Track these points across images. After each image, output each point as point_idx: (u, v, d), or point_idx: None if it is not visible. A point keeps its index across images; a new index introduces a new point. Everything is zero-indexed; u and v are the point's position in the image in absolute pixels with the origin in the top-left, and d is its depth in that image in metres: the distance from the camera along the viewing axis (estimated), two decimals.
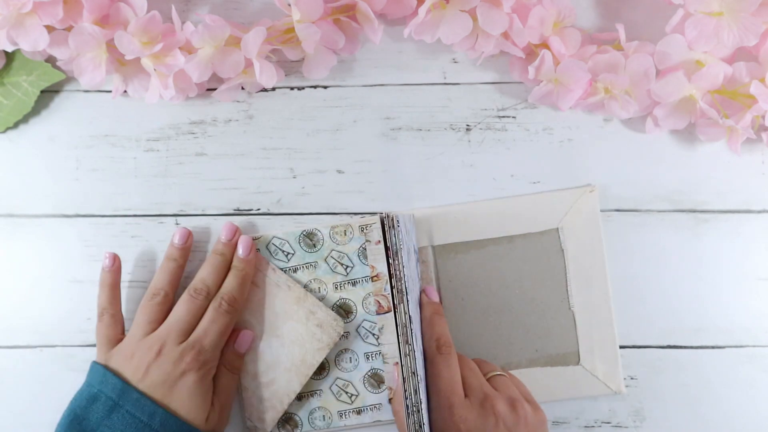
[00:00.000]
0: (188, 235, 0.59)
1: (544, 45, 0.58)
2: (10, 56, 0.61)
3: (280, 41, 0.59)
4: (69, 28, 0.56)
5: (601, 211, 0.61)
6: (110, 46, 0.57)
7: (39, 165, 0.62)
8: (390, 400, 0.58)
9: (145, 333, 0.56)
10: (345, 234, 0.58)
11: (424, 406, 0.51)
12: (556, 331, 0.60)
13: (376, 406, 0.58)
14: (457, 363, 0.55)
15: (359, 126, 0.62)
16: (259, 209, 0.61)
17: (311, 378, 0.58)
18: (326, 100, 0.62)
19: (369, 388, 0.58)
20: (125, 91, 0.60)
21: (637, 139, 0.61)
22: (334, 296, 0.58)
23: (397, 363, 0.57)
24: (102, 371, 0.54)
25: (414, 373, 0.51)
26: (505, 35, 0.58)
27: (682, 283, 0.61)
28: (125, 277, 0.61)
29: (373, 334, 0.58)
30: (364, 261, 0.58)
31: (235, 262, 0.58)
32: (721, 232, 0.61)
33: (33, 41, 0.56)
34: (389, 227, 0.54)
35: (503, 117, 0.62)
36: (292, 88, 0.62)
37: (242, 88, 0.62)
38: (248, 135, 0.62)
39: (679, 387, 0.60)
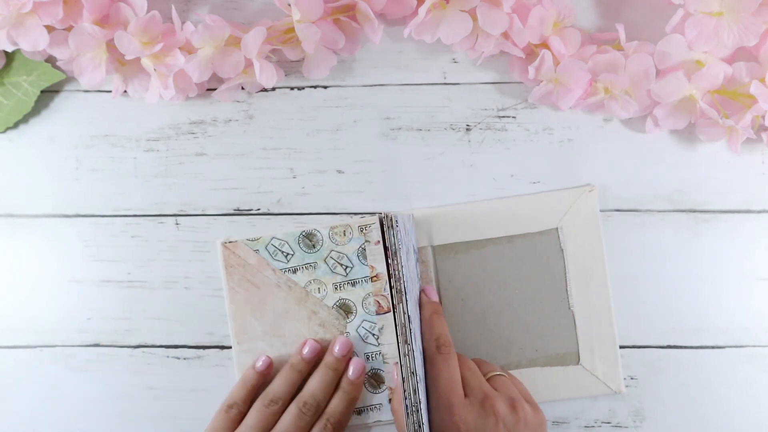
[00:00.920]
0: (319, 350, 0.57)
1: (544, 45, 0.58)
2: (10, 56, 0.61)
3: (280, 41, 0.59)
4: (69, 28, 0.56)
5: (601, 211, 0.61)
6: (110, 46, 0.57)
7: (39, 165, 0.62)
8: (390, 400, 0.58)
9: None
10: (344, 234, 0.58)
11: (423, 405, 0.51)
12: (556, 331, 0.60)
13: (377, 406, 0.58)
14: (457, 363, 0.55)
15: (359, 126, 0.62)
16: (259, 209, 0.61)
17: None
18: (326, 100, 0.62)
19: (369, 388, 0.58)
20: (125, 91, 0.60)
21: (637, 139, 0.61)
22: (334, 297, 0.58)
23: (397, 363, 0.57)
24: None
25: (413, 373, 0.51)
26: (505, 35, 0.58)
27: (682, 283, 0.61)
28: (125, 277, 0.61)
29: (373, 335, 0.58)
30: (363, 261, 0.58)
31: (343, 384, 0.57)
32: (721, 232, 0.61)
33: (33, 41, 0.56)
34: (388, 227, 0.54)
35: (503, 117, 0.62)
36: (292, 88, 0.62)
37: (242, 88, 0.62)
38: (248, 135, 0.62)
39: (679, 387, 0.60)
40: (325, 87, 0.62)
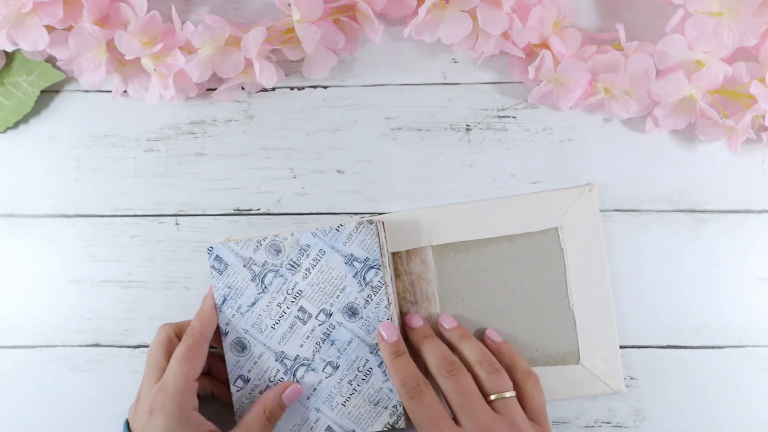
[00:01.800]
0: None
1: (544, 45, 0.58)
2: (10, 56, 0.61)
3: (280, 41, 0.59)
4: (69, 28, 0.56)
5: (601, 211, 0.61)
6: (110, 46, 0.57)
7: (39, 165, 0.62)
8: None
9: None
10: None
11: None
12: (556, 331, 0.60)
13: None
14: (434, 397, 0.53)
15: (359, 126, 0.62)
16: (259, 209, 0.61)
17: None
18: (326, 100, 0.62)
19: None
20: (125, 91, 0.60)
21: (637, 139, 0.61)
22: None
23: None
24: None
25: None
26: (505, 35, 0.58)
27: (681, 283, 0.61)
28: (125, 277, 0.61)
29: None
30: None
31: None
32: (720, 232, 0.61)
33: (33, 41, 0.56)
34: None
35: (503, 117, 0.62)
36: (292, 88, 0.62)
37: (242, 88, 0.62)
38: (248, 135, 0.62)
39: (679, 387, 0.60)
40: (325, 87, 0.62)
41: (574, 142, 0.61)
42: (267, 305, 0.57)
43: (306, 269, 0.57)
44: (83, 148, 0.62)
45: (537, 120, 0.61)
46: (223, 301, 0.57)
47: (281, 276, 0.57)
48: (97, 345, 0.61)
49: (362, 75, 0.62)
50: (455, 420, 0.52)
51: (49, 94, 0.62)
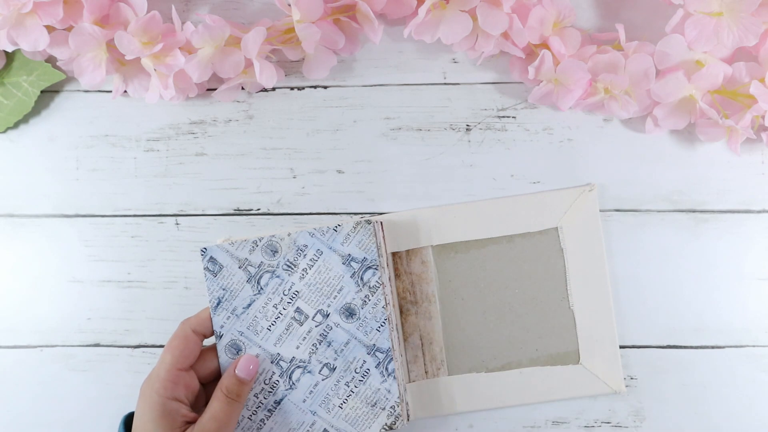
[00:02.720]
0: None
1: (544, 45, 0.58)
2: (10, 56, 0.61)
3: (280, 41, 0.59)
4: (69, 28, 0.56)
5: (601, 210, 0.61)
6: (110, 46, 0.57)
7: (39, 165, 0.62)
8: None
9: None
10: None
11: None
12: (556, 331, 0.60)
13: None
14: None
15: (359, 126, 0.62)
16: (259, 209, 0.61)
17: None
18: (326, 100, 0.62)
19: None
20: (125, 91, 0.60)
21: (637, 139, 0.61)
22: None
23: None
24: None
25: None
26: (505, 35, 0.58)
27: (682, 283, 0.61)
28: (125, 277, 0.61)
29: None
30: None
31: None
32: (720, 232, 0.61)
33: (33, 41, 0.56)
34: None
35: (503, 117, 0.62)
36: (292, 88, 0.62)
37: (242, 88, 0.62)
38: (248, 135, 0.62)
39: (679, 387, 0.60)
40: (325, 87, 0.62)
41: (574, 142, 0.61)
42: (263, 307, 0.56)
43: (303, 270, 0.56)
44: (83, 148, 0.62)
45: (537, 120, 0.62)
46: (218, 304, 0.56)
47: (278, 277, 0.56)
48: (97, 345, 0.61)
49: (362, 75, 0.62)
50: None
51: (49, 94, 0.62)
